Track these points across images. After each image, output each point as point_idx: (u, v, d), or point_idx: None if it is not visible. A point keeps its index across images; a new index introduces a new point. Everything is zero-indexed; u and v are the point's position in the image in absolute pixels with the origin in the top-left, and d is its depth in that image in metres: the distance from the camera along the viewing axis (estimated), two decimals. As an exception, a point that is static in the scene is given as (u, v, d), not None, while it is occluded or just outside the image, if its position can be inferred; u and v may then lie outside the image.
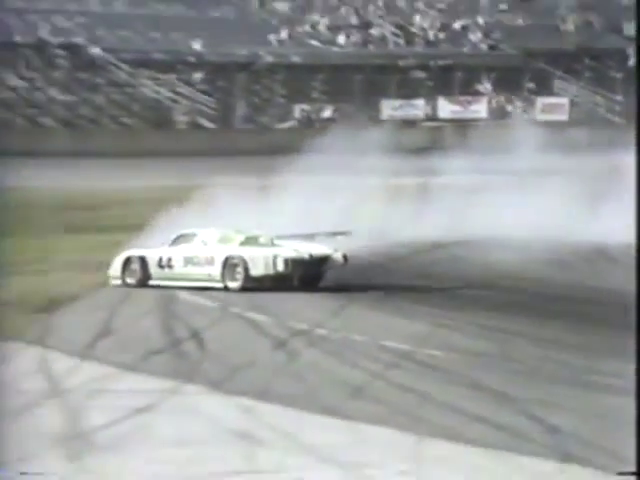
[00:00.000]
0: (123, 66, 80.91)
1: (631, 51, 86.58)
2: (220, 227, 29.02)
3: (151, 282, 27.86)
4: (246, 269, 27.14)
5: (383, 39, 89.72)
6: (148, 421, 17.54)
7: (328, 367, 21.08)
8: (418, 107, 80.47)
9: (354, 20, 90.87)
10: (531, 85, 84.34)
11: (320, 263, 28.16)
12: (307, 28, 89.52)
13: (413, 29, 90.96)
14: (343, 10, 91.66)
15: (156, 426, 17.38)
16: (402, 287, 29.97)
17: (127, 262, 27.84)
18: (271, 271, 27.24)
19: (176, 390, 19.42)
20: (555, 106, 79.47)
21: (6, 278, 29.87)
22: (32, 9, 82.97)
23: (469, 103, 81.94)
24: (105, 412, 17.95)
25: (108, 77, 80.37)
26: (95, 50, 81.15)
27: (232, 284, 27.28)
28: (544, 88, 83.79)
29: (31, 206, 28.75)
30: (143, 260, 27.78)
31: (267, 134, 49.04)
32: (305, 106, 76.10)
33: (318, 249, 28.34)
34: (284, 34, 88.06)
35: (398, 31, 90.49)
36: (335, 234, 29.90)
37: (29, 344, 22.97)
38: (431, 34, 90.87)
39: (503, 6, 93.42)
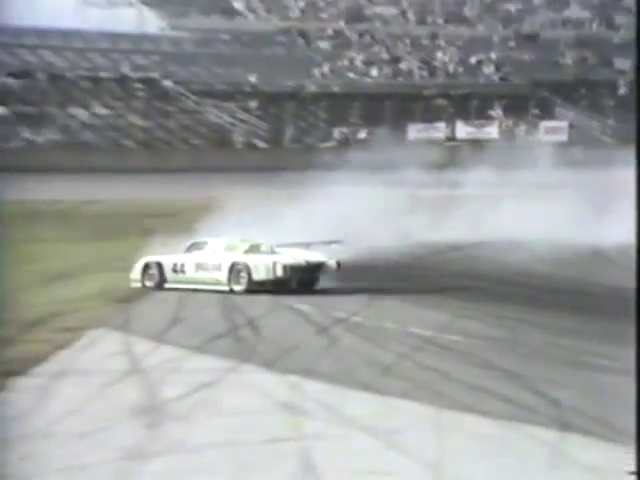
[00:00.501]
0: (191, 96, 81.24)
1: (621, 82, 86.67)
2: (230, 236, 28.33)
3: (167, 285, 27.34)
4: (249, 274, 26.53)
5: (410, 72, 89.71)
6: (211, 395, 17.64)
7: (363, 350, 21.04)
8: (439, 129, 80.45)
9: (385, 56, 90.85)
10: (536, 111, 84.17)
11: (315, 269, 27.53)
12: (345, 63, 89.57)
13: (435, 63, 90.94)
14: (376, 47, 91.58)
15: (218, 399, 17.47)
16: (425, 282, 29.89)
17: (146, 267, 27.27)
18: (271, 276, 26.57)
19: (235, 369, 19.47)
20: (556, 129, 79.22)
21: (94, 274, 30.01)
22: (115, 49, 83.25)
23: (483, 126, 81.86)
24: (176, 387, 18.05)
25: (179, 105, 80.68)
26: (168, 83, 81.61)
27: (237, 287, 26.64)
28: (547, 113, 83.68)
29: (115, 214, 28.70)
30: (160, 265, 27.20)
31: (311, 153, 49.06)
32: (343, 129, 76.16)
33: (313, 256, 27.66)
34: (326, 68, 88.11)
35: (423, 65, 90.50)
36: (330, 243, 29.11)
37: (114, 330, 23.02)
38: (451, 67, 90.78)
39: (512, 44, 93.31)
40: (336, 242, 29.31)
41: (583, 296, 28.00)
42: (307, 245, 28.49)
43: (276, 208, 34.31)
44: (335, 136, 74.94)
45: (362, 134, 73.33)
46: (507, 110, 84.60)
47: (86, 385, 18.44)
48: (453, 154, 63.42)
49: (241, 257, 26.94)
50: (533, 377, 18.25)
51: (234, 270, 26.52)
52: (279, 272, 26.48)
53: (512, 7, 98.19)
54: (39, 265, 29.23)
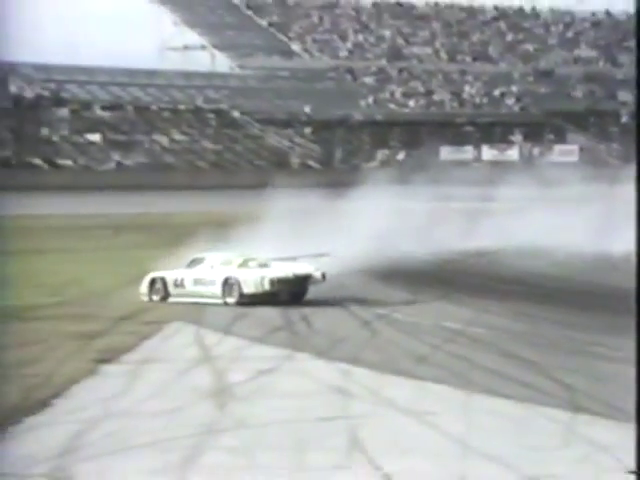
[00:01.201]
0: (255, 124, 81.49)
1: (623, 112, 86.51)
2: (226, 251, 26.42)
3: (170, 299, 25.29)
4: (240, 288, 24.62)
5: (442, 103, 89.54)
6: (271, 380, 17.62)
7: (401, 341, 20.95)
8: (467, 152, 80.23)
9: (421, 89, 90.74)
10: (550, 136, 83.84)
11: (304, 281, 25.35)
12: (387, 95, 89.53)
13: (464, 95, 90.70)
14: (413, 82, 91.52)
15: (276, 383, 17.44)
16: (454, 283, 29.74)
17: (152, 282, 25.39)
18: (260, 289, 24.51)
19: (291, 357, 19.45)
20: (568, 151, 78.84)
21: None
22: (191, 85, 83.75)
23: (505, 149, 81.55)
24: (241, 373, 18.04)
25: (244, 132, 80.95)
26: (235, 113, 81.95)
27: (230, 300, 24.66)
28: (560, 138, 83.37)
29: (190, 224, 28.63)
30: (164, 280, 25.31)
31: (357, 172, 49.14)
32: (385, 151, 75.98)
33: (301, 269, 25.50)
34: (370, 100, 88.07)
35: (453, 97, 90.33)
36: (317, 256, 26.58)
37: (188, 323, 23.05)
38: (477, 99, 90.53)
39: (530, 79, 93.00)
40: (323, 255, 26.76)
41: (593, 296, 27.71)
42: (293, 259, 26.19)
43: (327, 219, 34.23)
44: (378, 157, 74.90)
45: (400, 156, 73.17)
46: (526, 136, 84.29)
47: (166, 370, 18.48)
48: (479, 173, 63.11)
49: (233, 272, 24.90)
50: (549, 365, 18.11)
51: (227, 284, 24.64)
52: (266, 285, 24.51)
53: (530, 47, 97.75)
54: (133, 269, 29.22)
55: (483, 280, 30.52)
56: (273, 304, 24.31)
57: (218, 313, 24.28)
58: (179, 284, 24.97)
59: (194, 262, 25.32)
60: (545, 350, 19.61)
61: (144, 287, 25.34)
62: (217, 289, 24.66)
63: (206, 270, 25.00)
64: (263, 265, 25.42)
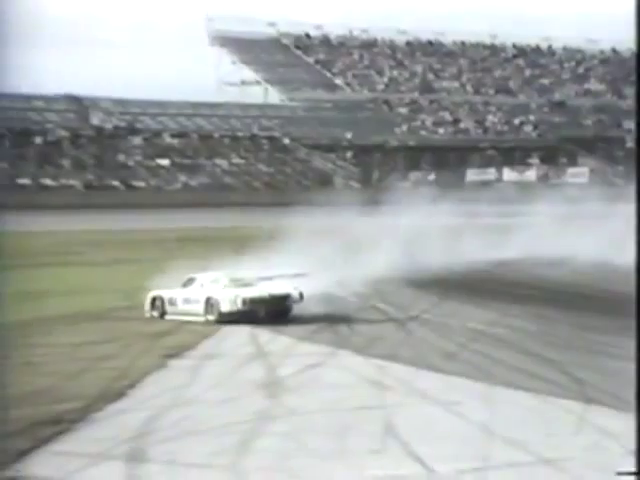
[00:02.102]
0: (303, 149, 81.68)
1: (628, 138, 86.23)
2: (218, 270, 24.55)
3: (166, 317, 23.61)
4: (219, 307, 22.84)
5: (467, 130, 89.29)
6: (316, 373, 17.63)
7: (431, 340, 20.86)
8: (490, 174, 79.81)
9: (449, 118, 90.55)
10: (564, 160, 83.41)
11: (282, 300, 23.29)
12: (419, 123, 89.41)
13: (487, 124, 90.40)
14: (442, 112, 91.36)
15: (321, 376, 17.45)
16: (478, 289, 29.59)
17: (153, 300, 23.82)
18: (234, 308, 22.63)
19: (334, 354, 19.39)
20: (579, 173, 78.27)
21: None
22: (248, 115, 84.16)
23: (523, 171, 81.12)
24: (290, 367, 18.04)
25: (293, 156, 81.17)
26: (286, 140, 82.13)
27: (210, 317, 22.85)
28: (572, 161, 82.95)
29: (242, 237, 28.58)
30: (162, 299, 23.72)
31: (393, 191, 49.19)
32: (417, 173, 75.80)
33: (279, 288, 23.49)
34: (404, 127, 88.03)
35: (477, 125, 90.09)
36: (296, 275, 24.61)
37: (243, 324, 23.03)
38: (499, 127, 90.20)
39: (545, 109, 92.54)
40: (301, 275, 24.76)
41: (605, 301, 27.23)
42: (269, 278, 24.14)
43: (366, 232, 34.13)
44: (411, 178, 74.67)
45: (431, 177, 72.90)
46: (542, 159, 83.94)
47: (224, 365, 18.53)
48: (501, 193, 62.84)
49: (214, 291, 23.12)
50: (563, 361, 17.98)
51: (209, 303, 22.88)
52: (239, 304, 22.60)
53: (546, 81, 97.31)
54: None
55: (505, 286, 30.28)
56: (252, 322, 22.44)
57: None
58: (173, 302, 23.48)
59: (188, 282, 23.73)
60: (560, 348, 19.44)
61: (146, 304, 23.89)
62: (200, 307, 23.00)
63: (195, 289, 23.38)
64: (247, 284, 23.52)
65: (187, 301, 23.09)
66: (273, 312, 22.88)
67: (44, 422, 14.07)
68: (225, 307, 22.62)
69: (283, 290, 23.31)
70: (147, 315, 23.78)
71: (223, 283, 23.50)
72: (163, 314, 23.58)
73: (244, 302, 22.57)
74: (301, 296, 23.29)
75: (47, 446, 13.07)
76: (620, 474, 9.18)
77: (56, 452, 12.84)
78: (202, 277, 23.69)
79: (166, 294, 23.59)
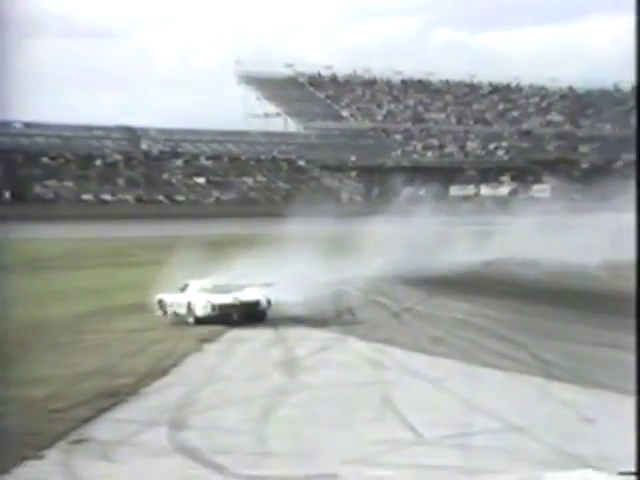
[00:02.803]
0: (315, 169, 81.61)
1: (584, 160, 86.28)
2: (207, 278, 22.56)
3: (167, 316, 22.15)
4: (194, 311, 21.29)
5: (451, 154, 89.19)
6: (325, 356, 17.55)
7: (421, 327, 20.75)
8: (470, 190, 79.64)
9: (436, 143, 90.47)
10: (530, 178, 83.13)
11: (253, 306, 21.47)
12: (411, 148, 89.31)
13: (468, 148, 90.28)
14: (430, 139, 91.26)
15: (331, 357, 17.42)
16: (462, 285, 29.04)
17: (160, 301, 22.25)
18: (206, 312, 21.05)
19: (341, 339, 19.33)
20: (543, 189, 78.05)
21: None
22: (269, 142, 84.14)
23: (497, 188, 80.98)
24: (305, 349, 17.98)
25: (307, 175, 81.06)
26: (301, 162, 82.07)
27: (190, 320, 21.22)
28: (537, 179, 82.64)
29: (265, 241, 28.04)
30: (164, 301, 22.15)
31: (390, 204, 48.79)
32: (410, 189, 75.66)
33: (249, 296, 21.60)
34: (399, 151, 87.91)
35: (460, 150, 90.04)
36: (265, 285, 22.29)
37: None
38: (477, 151, 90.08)
39: (516, 136, 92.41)
40: (269, 285, 22.46)
41: (570, 295, 26.74)
42: (244, 286, 22.03)
43: (367, 237, 33.95)
44: (404, 193, 74.54)
45: (422, 192, 72.60)
46: (512, 178, 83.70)
47: (250, 348, 18.55)
48: (478, 205, 62.81)
49: (193, 297, 21.52)
50: (532, 345, 17.82)
51: (189, 307, 21.39)
52: (209, 309, 21.05)
53: (515, 113, 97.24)
54: (225, 273, 29.07)
55: (483, 283, 29.88)
56: (226, 324, 20.78)
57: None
58: (171, 305, 21.94)
59: (184, 287, 22.10)
60: (529, 335, 19.23)
61: (155, 304, 22.33)
62: (184, 310, 21.55)
63: (185, 294, 21.83)
64: (226, 291, 21.57)
65: (179, 305, 21.68)
66: (246, 316, 21.18)
67: (104, 394, 14.14)
68: (199, 311, 21.18)
69: (252, 297, 21.54)
70: (157, 313, 22.29)
71: (204, 289, 21.74)
72: (165, 313, 22.15)
73: (213, 307, 21.07)
74: (269, 303, 21.56)
75: (106, 414, 13.13)
76: (621, 474, 8.83)
77: (113, 419, 12.90)
78: (193, 283, 22.15)
79: (167, 297, 22.16)
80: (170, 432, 12.06)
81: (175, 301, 21.85)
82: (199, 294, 21.53)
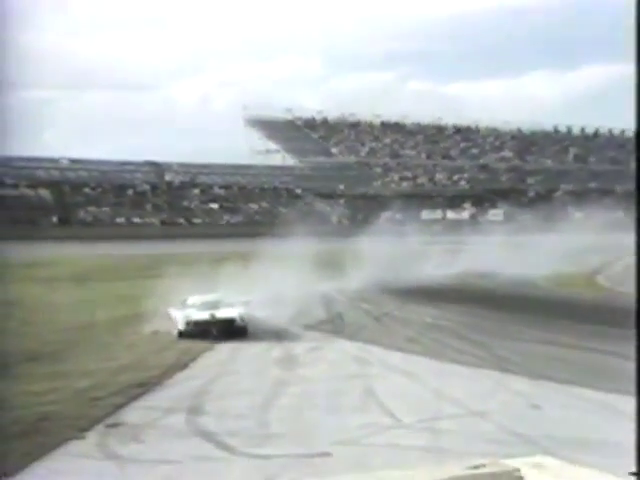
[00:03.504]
0: (309, 196, 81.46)
1: (531, 190, 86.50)
2: (200, 294, 20.64)
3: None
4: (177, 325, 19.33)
5: (422, 184, 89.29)
6: (319, 354, 17.42)
7: (398, 329, 20.62)
8: (438, 214, 79.59)
9: (409, 175, 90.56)
10: (487, 204, 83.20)
11: (229, 322, 19.17)
12: (389, 179, 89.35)
13: (436, 179, 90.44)
14: (405, 171, 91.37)
15: (322, 355, 17.29)
16: (430, 294, 28.24)
17: (169, 313, 20.55)
18: (184, 327, 18.94)
19: (330, 339, 19.18)
20: (497, 214, 78.09)
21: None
22: (272, 174, 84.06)
23: (460, 212, 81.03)
24: (300, 348, 17.80)
25: (303, 201, 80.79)
26: (298, 190, 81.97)
27: (174, 332, 19.11)
28: (492, 205, 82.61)
29: (266, 257, 27.69)
30: (169, 314, 20.45)
31: (372, 226, 48.39)
32: (388, 213, 75.64)
33: (224, 313, 19.34)
34: (379, 182, 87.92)
35: (429, 181, 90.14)
36: (243, 303, 20.34)
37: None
38: (444, 181, 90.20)
39: (475, 170, 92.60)
40: (247, 302, 20.64)
41: (521, 302, 26.18)
42: (215, 304, 19.93)
43: (351, 254, 33.73)
44: (383, 217, 74.53)
45: (398, 216, 72.68)
46: (472, 204, 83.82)
47: (256, 346, 18.42)
48: (445, 227, 62.90)
49: (177, 313, 19.77)
50: (489, 344, 17.72)
51: (176, 322, 19.51)
52: (185, 326, 18.99)
53: (474, 150, 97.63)
54: (231, 284, 28.90)
55: (449, 292, 29.54)
56: (207, 339, 18.58)
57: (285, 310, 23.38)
58: (171, 318, 20.13)
59: (183, 302, 20.38)
60: (486, 335, 19.16)
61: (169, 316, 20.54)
62: (173, 324, 19.62)
63: (176, 309, 20.14)
64: (212, 308, 19.50)
65: (174, 319, 19.87)
66: (225, 332, 18.91)
67: (134, 385, 14.09)
68: (180, 326, 19.13)
69: (228, 315, 19.33)
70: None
71: (194, 305, 19.81)
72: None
73: (188, 323, 18.96)
74: (242, 320, 19.34)
75: (135, 402, 13.08)
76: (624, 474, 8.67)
77: (141, 406, 12.85)
78: (191, 299, 20.33)
79: (171, 311, 20.51)
80: (188, 417, 12.02)
81: (173, 315, 20.09)
82: (185, 310, 19.58)
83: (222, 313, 19.35)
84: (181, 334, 18.94)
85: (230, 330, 19.06)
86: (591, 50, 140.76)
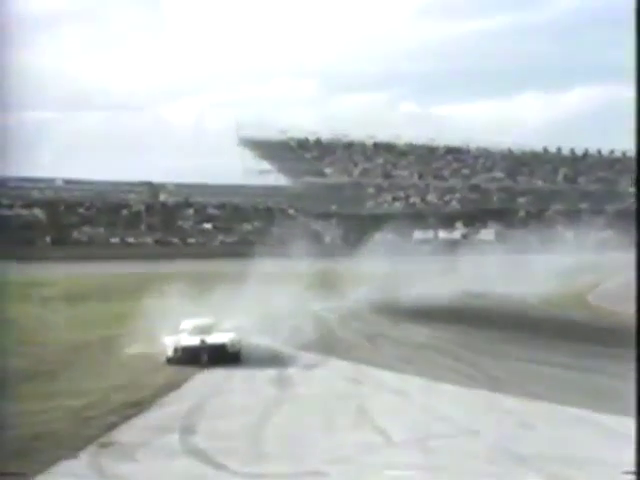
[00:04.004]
0: (302, 216, 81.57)
1: (521, 210, 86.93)
2: (193, 318, 19.44)
3: None
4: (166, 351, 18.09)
5: (414, 204, 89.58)
6: (313, 372, 17.44)
7: (390, 349, 20.56)
8: (430, 234, 79.77)
9: (402, 195, 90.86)
10: (478, 224, 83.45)
11: (220, 348, 17.91)
12: (382, 200, 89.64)
13: (428, 199, 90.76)
14: (397, 192, 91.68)
15: (317, 373, 17.28)
16: (422, 313, 27.84)
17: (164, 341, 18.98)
18: (172, 354, 17.75)
19: (325, 359, 19.05)
20: (489, 233, 78.41)
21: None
22: (266, 194, 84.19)
23: (452, 232, 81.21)
24: (295, 368, 17.71)
25: (296, 221, 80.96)
26: (291, 210, 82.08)
27: (163, 359, 17.92)
28: (484, 225, 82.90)
29: (257, 276, 27.43)
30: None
31: (364, 246, 48.12)
32: (380, 233, 75.72)
33: (215, 338, 18.12)
34: (372, 202, 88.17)
35: (421, 201, 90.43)
36: (235, 328, 19.04)
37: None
38: (435, 201, 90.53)
39: (466, 190, 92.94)
40: (238, 327, 19.20)
41: (511, 321, 25.90)
42: (208, 328, 18.72)
43: (346, 273, 33.67)
44: (377, 238, 74.61)
45: (390, 236, 72.80)
46: (464, 224, 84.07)
47: (247, 366, 18.34)
48: (436, 247, 63.01)
49: (167, 339, 18.49)
50: (482, 364, 17.68)
51: (165, 347, 18.27)
52: (175, 351, 17.79)
53: (466, 171, 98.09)
54: (223, 301, 28.72)
55: (440, 312, 29.48)
56: (195, 365, 17.45)
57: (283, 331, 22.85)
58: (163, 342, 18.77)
59: (175, 326, 19.26)
60: (476, 354, 19.11)
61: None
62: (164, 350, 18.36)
63: (169, 333, 18.90)
64: (204, 333, 18.32)
65: (165, 344, 18.50)
66: (216, 358, 17.67)
67: (128, 404, 14.07)
68: (169, 352, 17.93)
69: (219, 340, 18.09)
70: None
71: (185, 330, 18.72)
72: None
73: (176, 349, 17.79)
74: (234, 346, 18.16)
75: (130, 420, 13.06)
76: (624, 474, 8.56)
77: (136, 425, 12.83)
78: (184, 322, 19.24)
79: (165, 338, 18.93)
80: (181, 436, 12.00)
81: (164, 340, 18.86)
82: (176, 335, 18.48)
83: (213, 338, 18.14)
84: (169, 360, 17.73)
85: (221, 356, 17.81)
86: (580, 72, 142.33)
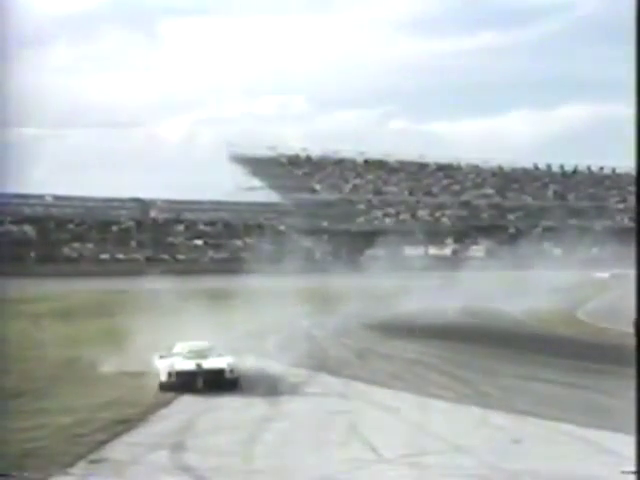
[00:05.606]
0: (293, 233, 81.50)
1: (511, 227, 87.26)
2: (187, 341, 18.22)
3: None
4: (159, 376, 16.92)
5: (405, 220, 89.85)
6: (304, 387, 17.37)
7: (381, 365, 20.56)
8: (420, 250, 79.99)
9: (392, 212, 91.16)
10: (468, 240, 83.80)
11: (217, 374, 16.66)
12: (372, 216, 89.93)
13: (418, 216, 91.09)
14: (388, 208, 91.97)
15: (307, 389, 17.15)
16: (412, 330, 27.59)
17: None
18: (165, 379, 16.61)
19: (315, 375, 19.00)
20: (479, 249, 78.74)
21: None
22: (255, 210, 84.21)
23: (442, 248, 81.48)
24: (287, 386, 17.60)
25: (288, 238, 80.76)
26: (281, 227, 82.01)
27: (156, 383, 16.82)
28: (474, 241, 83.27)
29: (248, 293, 27.31)
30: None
31: (354, 262, 48.16)
32: (371, 250, 75.65)
33: (212, 363, 16.93)
34: (363, 218, 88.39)
35: (411, 218, 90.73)
36: (224, 354, 17.52)
37: (264, 357, 20.93)
38: (426, 218, 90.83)
39: (456, 207, 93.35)
40: (230, 355, 17.57)
41: (502, 339, 25.73)
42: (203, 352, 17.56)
43: (337, 289, 33.71)
44: (367, 253, 74.65)
45: (380, 252, 72.96)
46: (454, 240, 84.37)
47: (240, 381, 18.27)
48: (426, 262, 63.14)
49: (160, 362, 17.43)
50: (472, 380, 17.72)
51: (158, 371, 17.16)
52: (167, 376, 16.61)
53: (456, 187, 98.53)
54: (213, 317, 28.76)
55: (428, 328, 29.42)
56: (192, 392, 16.33)
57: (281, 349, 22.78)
58: (155, 366, 17.85)
59: (170, 348, 18.28)
60: (463, 369, 19.14)
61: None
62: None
63: (162, 357, 17.88)
64: (201, 357, 17.28)
65: (157, 368, 17.48)
66: (211, 384, 16.52)
67: (118, 421, 14.00)
68: (162, 377, 16.76)
69: (216, 365, 16.90)
70: None
71: (179, 353, 17.70)
72: None
73: (170, 374, 16.61)
74: (232, 372, 16.86)
75: (119, 438, 12.99)
76: (624, 473, 8.50)
77: (125, 442, 12.76)
78: (176, 346, 18.16)
79: (155, 359, 18.13)
80: (171, 453, 11.95)
81: (155, 363, 17.86)
82: (168, 359, 17.44)
83: (210, 363, 16.94)
84: (162, 386, 16.54)
85: (218, 383, 16.57)
86: (570, 89, 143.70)
